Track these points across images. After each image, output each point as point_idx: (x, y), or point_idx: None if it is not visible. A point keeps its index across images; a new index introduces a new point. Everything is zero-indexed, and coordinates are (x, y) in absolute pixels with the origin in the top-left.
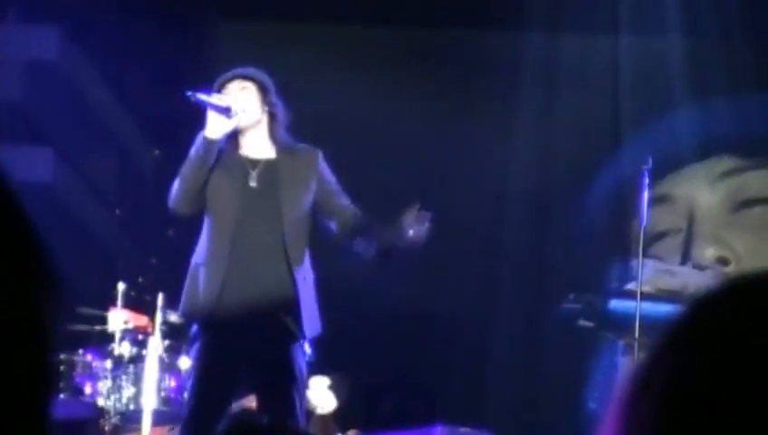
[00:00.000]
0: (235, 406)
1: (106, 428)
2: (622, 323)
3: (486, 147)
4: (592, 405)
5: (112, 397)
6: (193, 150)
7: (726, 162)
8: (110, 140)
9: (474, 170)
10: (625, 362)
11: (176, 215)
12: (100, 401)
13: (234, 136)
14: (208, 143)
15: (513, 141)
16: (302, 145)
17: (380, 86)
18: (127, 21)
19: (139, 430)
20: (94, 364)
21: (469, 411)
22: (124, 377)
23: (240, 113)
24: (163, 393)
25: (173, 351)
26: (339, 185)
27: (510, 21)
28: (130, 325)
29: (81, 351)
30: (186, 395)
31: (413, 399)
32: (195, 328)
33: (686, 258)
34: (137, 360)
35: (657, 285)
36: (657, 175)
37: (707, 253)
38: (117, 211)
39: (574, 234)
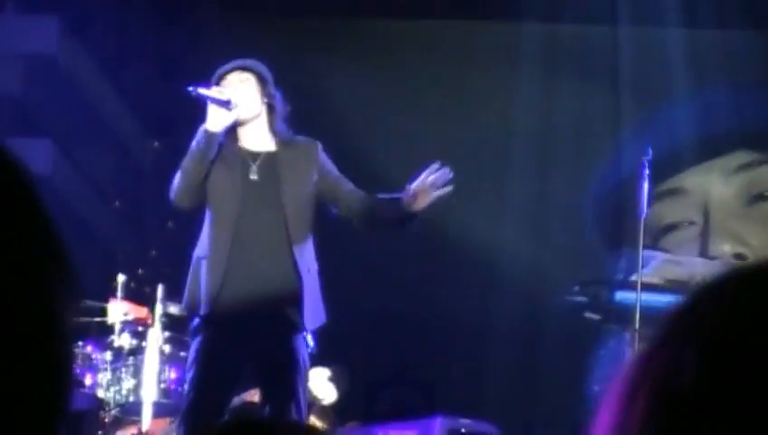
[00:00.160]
0: (236, 400)
1: (106, 420)
2: (628, 315)
3: (486, 137)
4: (596, 389)
5: (112, 389)
6: (194, 144)
7: (742, 156)
8: (110, 132)
9: (473, 161)
10: (629, 353)
11: (177, 208)
12: (100, 393)
13: (233, 129)
14: (209, 136)
15: (512, 132)
16: (301, 137)
17: (379, 77)
18: (126, 13)
19: (139, 421)
20: (94, 356)
21: (469, 404)
22: (124, 369)
23: (240, 105)
24: (163, 385)
25: (173, 342)
26: (340, 173)
27: (509, 12)
28: (130, 317)
29: (80, 342)
30: (186, 387)
31: (412, 391)
32: (196, 320)
33: (703, 253)
34: (137, 351)
35: (664, 275)
36: (669, 170)
37: (724, 249)
38: (116, 203)
39: (575, 225)
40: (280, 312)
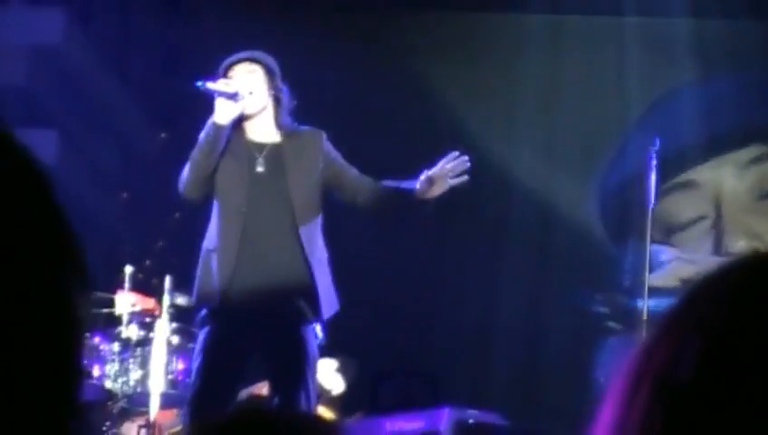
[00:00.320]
0: (244, 393)
1: (113, 410)
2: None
3: (490, 129)
4: (599, 376)
5: (120, 380)
6: (203, 136)
7: (754, 149)
8: (115, 123)
9: (477, 154)
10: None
11: (186, 200)
12: (108, 384)
13: (239, 121)
14: (218, 129)
15: (517, 124)
16: (305, 127)
17: (383, 68)
18: (130, 4)
19: (146, 412)
20: (102, 347)
21: (474, 395)
22: (131, 360)
23: (247, 97)
24: (170, 376)
25: (180, 333)
26: (345, 161)
27: (514, 2)
28: (138, 308)
29: (88, 333)
30: (192, 377)
31: (418, 382)
32: (204, 312)
33: (717, 249)
34: (144, 343)
35: (679, 275)
36: (679, 163)
37: (738, 245)
38: (123, 194)
39: (580, 217)
40: (290, 302)
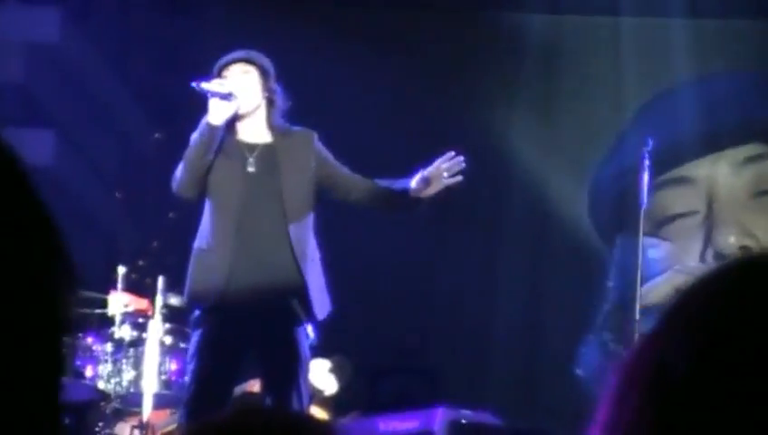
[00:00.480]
0: (238, 390)
1: (107, 411)
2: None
3: (487, 128)
4: (579, 372)
5: (113, 380)
6: (197, 136)
7: (751, 148)
8: (112, 122)
9: (474, 152)
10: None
11: (180, 199)
12: (101, 385)
13: (231, 121)
14: (212, 129)
15: (513, 123)
16: (297, 128)
17: (381, 69)
18: (129, 2)
19: (139, 413)
20: (95, 347)
21: (471, 393)
22: (125, 360)
23: (240, 97)
24: (164, 377)
25: (173, 334)
26: (337, 161)
27: (511, 2)
28: (131, 308)
29: (81, 334)
30: (187, 378)
31: (415, 381)
32: (198, 312)
33: (707, 244)
34: (137, 343)
35: (677, 286)
36: (674, 160)
37: (730, 241)
38: (117, 194)
39: (578, 216)
40: (282, 303)
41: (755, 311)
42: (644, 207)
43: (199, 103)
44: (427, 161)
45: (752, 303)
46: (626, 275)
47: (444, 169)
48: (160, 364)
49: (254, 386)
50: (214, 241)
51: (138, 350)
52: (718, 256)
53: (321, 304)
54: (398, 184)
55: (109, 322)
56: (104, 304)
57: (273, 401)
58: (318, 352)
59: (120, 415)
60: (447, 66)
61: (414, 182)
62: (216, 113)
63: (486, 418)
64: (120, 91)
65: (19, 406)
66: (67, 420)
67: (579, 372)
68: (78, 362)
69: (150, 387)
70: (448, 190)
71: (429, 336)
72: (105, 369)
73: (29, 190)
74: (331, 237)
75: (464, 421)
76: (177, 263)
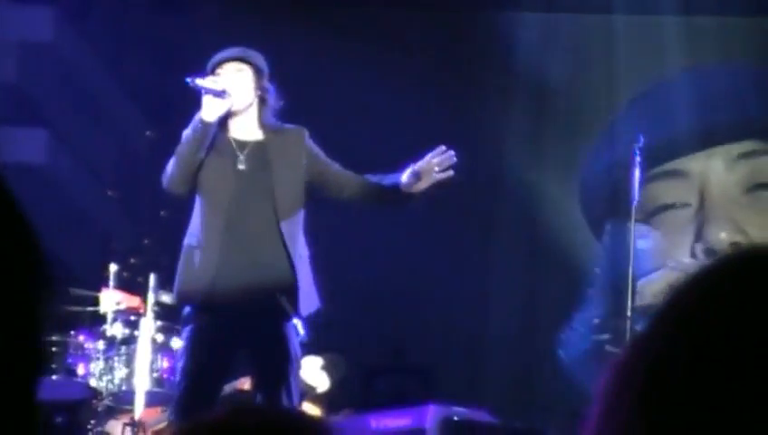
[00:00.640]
0: (228, 387)
1: (99, 409)
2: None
3: (481, 126)
4: (561, 354)
5: (105, 378)
6: (190, 132)
7: (748, 145)
8: (105, 121)
9: (468, 149)
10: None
11: (170, 194)
12: (93, 382)
13: (223, 118)
14: (205, 125)
15: (507, 121)
16: (288, 125)
17: (374, 67)
18: (122, 2)
19: (131, 410)
20: (87, 345)
21: (465, 391)
22: (117, 358)
23: (233, 96)
24: (156, 374)
25: (165, 332)
26: (329, 159)
27: (505, 1)
28: (123, 306)
29: (73, 332)
30: (178, 376)
31: (408, 379)
32: (188, 309)
33: (698, 238)
34: (129, 341)
35: (671, 283)
36: (666, 157)
37: (721, 237)
38: (110, 192)
39: (571, 214)
40: (271, 299)
41: (748, 308)
42: (635, 203)
43: (193, 102)
44: (420, 159)
45: (744, 300)
46: (614, 262)
47: (435, 164)
48: (152, 362)
49: (245, 383)
50: (202, 238)
51: (130, 347)
52: (708, 251)
53: (309, 300)
54: (388, 179)
55: (101, 319)
56: (96, 302)
57: (263, 399)
58: (311, 349)
59: (111, 413)
60: (442, 65)
61: (405, 177)
62: (210, 110)
63: (479, 415)
64: (114, 90)
65: None
66: (59, 418)
67: (561, 354)
68: (70, 360)
69: (142, 385)
70: (444, 189)
71: (423, 334)
72: (97, 367)
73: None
74: (325, 235)
75: (456, 419)
76: (170, 261)
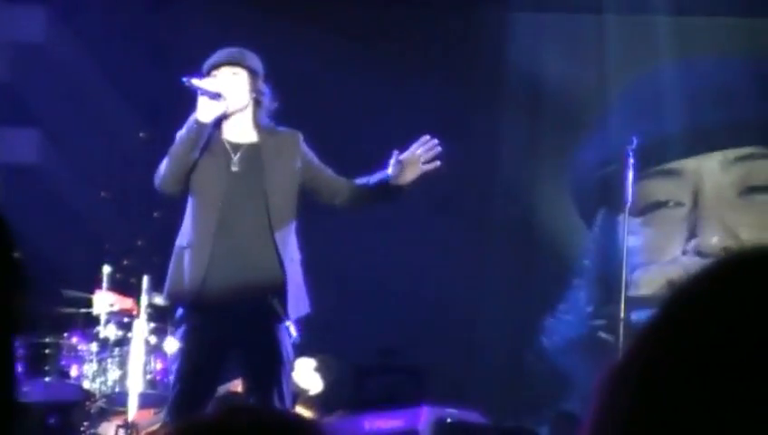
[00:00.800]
0: (221, 389)
1: (92, 410)
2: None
3: (472, 125)
4: (555, 339)
5: (98, 380)
6: (184, 132)
7: (746, 149)
8: (97, 121)
9: (459, 149)
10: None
11: (162, 194)
12: (86, 384)
13: (217, 120)
14: (200, 126)
15: (499, 120)
16: (282, 128)
17: (365, 66)
18: (113, 2)
19: (124, 412)
20: (80, 347)
21: (457, 392)
22: (110, 360)
23: (229, 99)
24: (149, 376)
25: (159, 333)
26: (321, 162)
27: (495, 1)
28: (116, 308)
29: (66, 334)
30: (171, 378)
31: (400, 379)
32: (180, 311)
33: (690, 238)
34: (122, 342)
35: (669, 276)
36: (659, 158)
37: (713, 241)
38: (103, 193)
39: (563, 213)
40: (263, 301)
41: (741, 312)
42: (628, 204)
43: (187, 103)
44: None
45: (737, 304)
46: (605, 254)
47: (419, 155)
48: (145, 364)
49: (238, 386)
50: (193, 239)
51: (123, 349)
52: (700, 252)
53: (298, 304)
54: (376, 177)
55: (94, 321)
56: (89, 304)
57: (255, 401)
58: (303, 351)
59: (105, 414)
60: (433, 64)
61: (390, 168)
62: (205, 111)
63: (472, 416)
64: (106, 90)
65: None
66: (52, 420)
67: (545, 341)
68: (63, 362)
69: (135, 386)
70: (436, 187)
71: (415, 335)
72: (90, 368)
73: None
74: (316, 237)
75: (449, 420)
76: (163, 262)
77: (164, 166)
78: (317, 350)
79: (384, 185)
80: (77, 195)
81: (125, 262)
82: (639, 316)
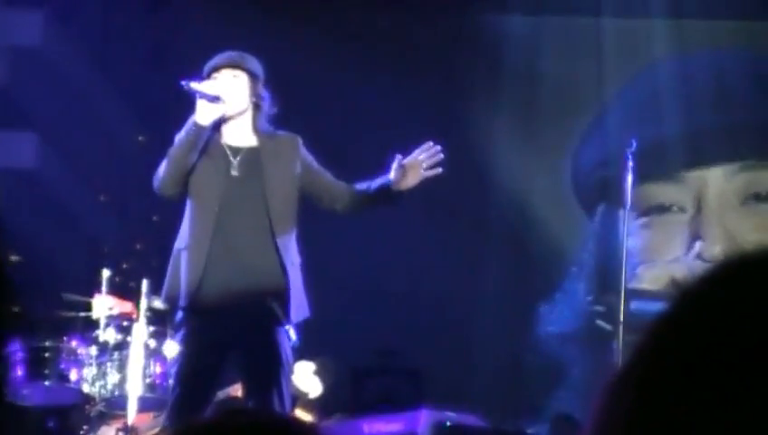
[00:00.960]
0: (221, 394)
1: (91, 414)
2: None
3: (470, 129)
4: (550, 329)
5: (98, 383)
6: (183, 134)
7: (751, 160)
8: (95, 125)
9: (457, 152)
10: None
11: (160, 196)
12: (86, 388)
13: (217, 123)
14: (199, 128)
15: (496, 123)
16: (281, 132)
17: (362, 70)
18: (111, 4)
19: (124, 416)
20: (79, 351)
21: (456, 394)
22: (109, 363)
23: (228, 102)
24: (148, 380)
25: (158, 337)
26: (320, 165)
27: (494, 4)
28: (115, 311)
29: (66, 337)
30: (171, 382)
31: (399, 382)
32: (180, 314)
33: (691, 245)
34: (122, 346)
35: (672, 274)
36: (659, 164)
37: (715, 249)
38: (101, 197)
39: (561, 214)
40: (263, 305)
41: (751, 314)
42: (627, 208)
43: (185, 106)
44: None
45: (747, 306)
46: (604, 251)
47: (422, 160)
48: (145, 367)
49: (237, 390)
50: (191, 242)
51: (122, 353)
52: (702, 260)
53: (299, 308)
54: (377, 182)
55: (93, 325)
56: (89, 308)
57: (255, 404)
58: (301, 353)
59: (104, 418)
60: (432, 67)
61: (392, 172)
62: (204, 114)
63: (471, 420)
64: (104, 93)
65: None
66: (51, 424)
67: (549, 329)
68: (62, 366)
69: (135, 390)
70: (435, 189)
71: (413, 337)
72: (90, 372)
73: None
74: (313, 239)
75: (448, 423)
76: (162, 266)
77: (162, 168)
78: (315, 353)
79: (385, 190)
80: (76, 199)
81: (124, 265)
82: (639, 307)
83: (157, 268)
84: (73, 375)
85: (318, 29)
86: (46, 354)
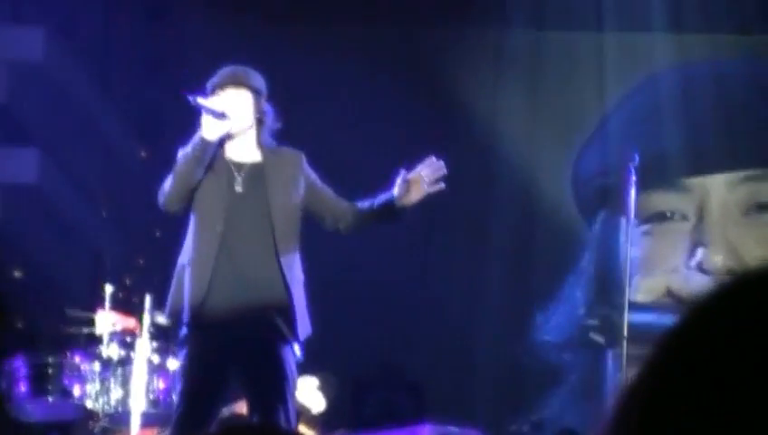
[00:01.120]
0: (225, 411)
1: (94, 430)
2: (637, 338)
3: (472, 143)
4: (547, 337)
5: (101, 399)
6: (189, 149)
7: (753, 171)
8: (97, 140)
9: (459, 166)
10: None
11: (165, 211)
12: (89, 404)
13: (221, 139)
14: (205, 144)
15: (498, 137)
16: (285, 148)
17: (366, 85)
18: (112, 20)
19: (127, 432)
20: (82, 366)
21: (457, 407)
22: (112, 379)
23: (232, 119)
24: (151, 395)
25: (161, 353)
26: (323, 182)
27: (494, 18)
28: (118, 327)
29: (69, 353)
30: (175, 397)
31: (400, 395)
32: (184, 330)
33: (692, 254)
34: (125, 362)
35: (668, 285)
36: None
37: (716, 260)
38: (104, 212)
39: (564, 223)
40: (267, 321)
41: (760, 329)
42: (630, 222)
43: (187, 122)
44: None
45: (755, 322)
46: (604, 255)
47: (425, 176)
48: (148, 383)
49: (242, 407)
50: (195, 257)
51: (125, 369)
52: (703, 270)
53: (304, 325)
54: (380, 198)
55: (96, 340)
56: (92, 323)
57: (259, 420)
58: (303, 369)
59: (107, 434)
60: (436, 80)
61: (396, 188)
62: (210, 129)
63: (473, 434)
64: (105, 109)
65: None
66: None
67: (545, 338)
68: (66, 381)
69: (138, 406)
70: (435, 202)
71: (414, 351)
72: (93, 388)
73: None
74: (314, 252)
75: None
76: (165, 281)
77: (168, 184)
78: (317, 368)
79: (389, 206)
80: (78, 214)
81: (127, 281)
82: (633, 319)
83: (160, 284)
84: (76, 391)
85: (319, 43)
86: (49, 370)
